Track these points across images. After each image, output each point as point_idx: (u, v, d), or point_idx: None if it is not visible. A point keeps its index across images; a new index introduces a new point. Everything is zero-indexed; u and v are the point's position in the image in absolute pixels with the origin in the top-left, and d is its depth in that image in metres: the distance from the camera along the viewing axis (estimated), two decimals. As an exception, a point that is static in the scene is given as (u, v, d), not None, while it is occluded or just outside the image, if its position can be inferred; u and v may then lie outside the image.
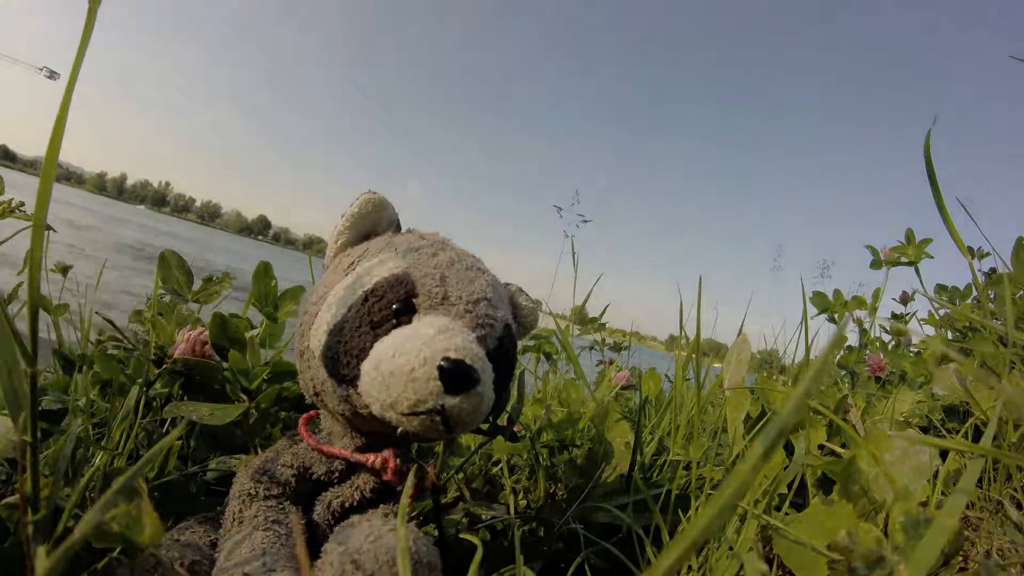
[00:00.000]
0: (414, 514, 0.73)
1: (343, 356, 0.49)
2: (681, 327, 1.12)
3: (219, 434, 0.74)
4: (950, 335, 1.34)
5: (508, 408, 0.66)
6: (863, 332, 1.74)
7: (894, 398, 1.04)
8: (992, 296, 1.26)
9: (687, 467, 0.76)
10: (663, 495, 0.73)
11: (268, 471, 0.54)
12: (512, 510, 0.81)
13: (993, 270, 1.55)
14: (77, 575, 0.42)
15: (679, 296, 1.04)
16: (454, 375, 0.44)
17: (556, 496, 0.87)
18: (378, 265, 0.52)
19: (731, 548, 0.62)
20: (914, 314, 1.71)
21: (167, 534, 0.52)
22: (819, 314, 1.76)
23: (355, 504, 0.55)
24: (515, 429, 0.67)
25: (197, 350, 0.70)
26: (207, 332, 0.71)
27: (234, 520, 0.51)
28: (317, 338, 0.51)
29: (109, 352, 0.73)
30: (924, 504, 0.57)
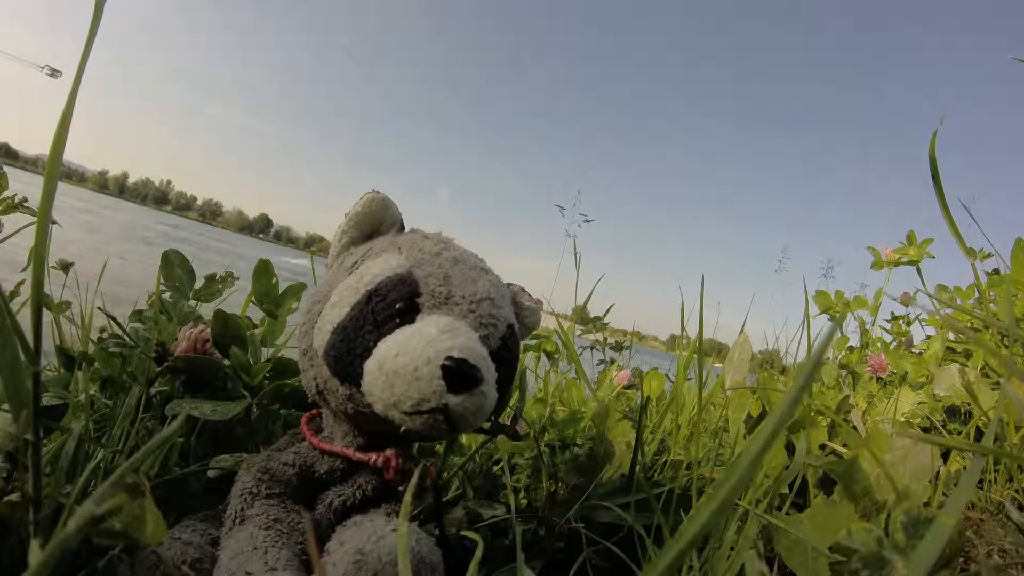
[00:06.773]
0: (415, 513, 0.73)
1: (346, 355, 0.49)
2: (683, 327, 1.12)
3: (220, 432, 0.74)
4: (952, 336, 1.34)
5: (511, 406, 0.66)
6: (864, 332, 1.74)
7: (895, 398, 1.04)
8: (994, 296, 1.26)
9: (689, 467, 0.76)
10: (665, 495, 0.73)
11: (270, 469, 0.54)
12: (513, 509, 0.81)
13: (996, 271, 1.54)
14: (77, 573, 0.41)
15: (681, 296, 1.04)
16: (457, 374, 0.44)
17: (557, 495, 0.87)
18: (382, 264, 0.52)
19: (732, 548, 0.62)
20: (917, 316, 1.71)
21: (168, 532, 0.52)
22: (821, 314, 1.76)
23: (357, 503, 0.55)
24: (518, 428, 0.67)
25: (199, 347, 0.70)
26: (209, 330, 0.71)
27: (236, 518, 0.51)
28: (320, 337, 0.51)
29: (111, 350, 0.73)
30: (925, 504, 0.57)
